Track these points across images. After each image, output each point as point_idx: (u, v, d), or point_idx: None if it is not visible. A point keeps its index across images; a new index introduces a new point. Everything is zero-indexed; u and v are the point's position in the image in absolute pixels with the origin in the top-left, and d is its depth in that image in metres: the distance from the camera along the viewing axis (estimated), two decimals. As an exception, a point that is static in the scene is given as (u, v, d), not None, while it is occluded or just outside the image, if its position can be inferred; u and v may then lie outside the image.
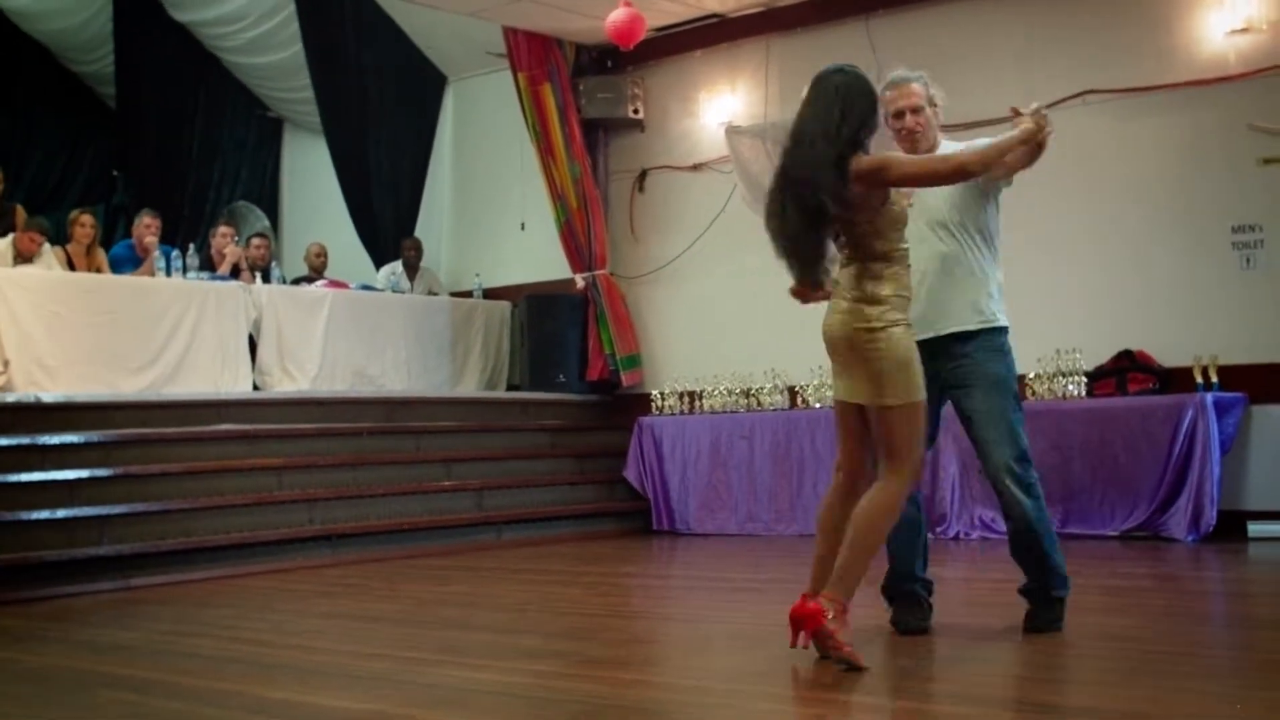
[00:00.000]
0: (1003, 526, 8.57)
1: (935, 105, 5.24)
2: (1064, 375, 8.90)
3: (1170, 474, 8.25)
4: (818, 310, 10.38)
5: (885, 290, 4.60)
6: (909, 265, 4.71)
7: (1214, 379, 8.48)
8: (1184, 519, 8.17)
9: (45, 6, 13.54)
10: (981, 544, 8.60)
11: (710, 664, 4.86)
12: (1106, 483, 8.49)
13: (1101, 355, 9.02)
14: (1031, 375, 8.99)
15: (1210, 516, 8.11)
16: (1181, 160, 8.99)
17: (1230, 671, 4.66)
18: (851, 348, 4.62)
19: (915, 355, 4.63)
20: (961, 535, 8.84)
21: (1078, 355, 8.91)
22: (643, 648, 4.92)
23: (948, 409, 5.29)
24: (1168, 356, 8.83)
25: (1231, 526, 8.27)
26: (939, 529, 8.92)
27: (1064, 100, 9.34)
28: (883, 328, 4.57)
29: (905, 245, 4.70)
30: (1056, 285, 9.37)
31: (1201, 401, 8.22)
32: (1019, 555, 5.21)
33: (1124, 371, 8.89)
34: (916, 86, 5.19)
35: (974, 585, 7.20)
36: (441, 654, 5.18)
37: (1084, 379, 8.89)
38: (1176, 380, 8.70)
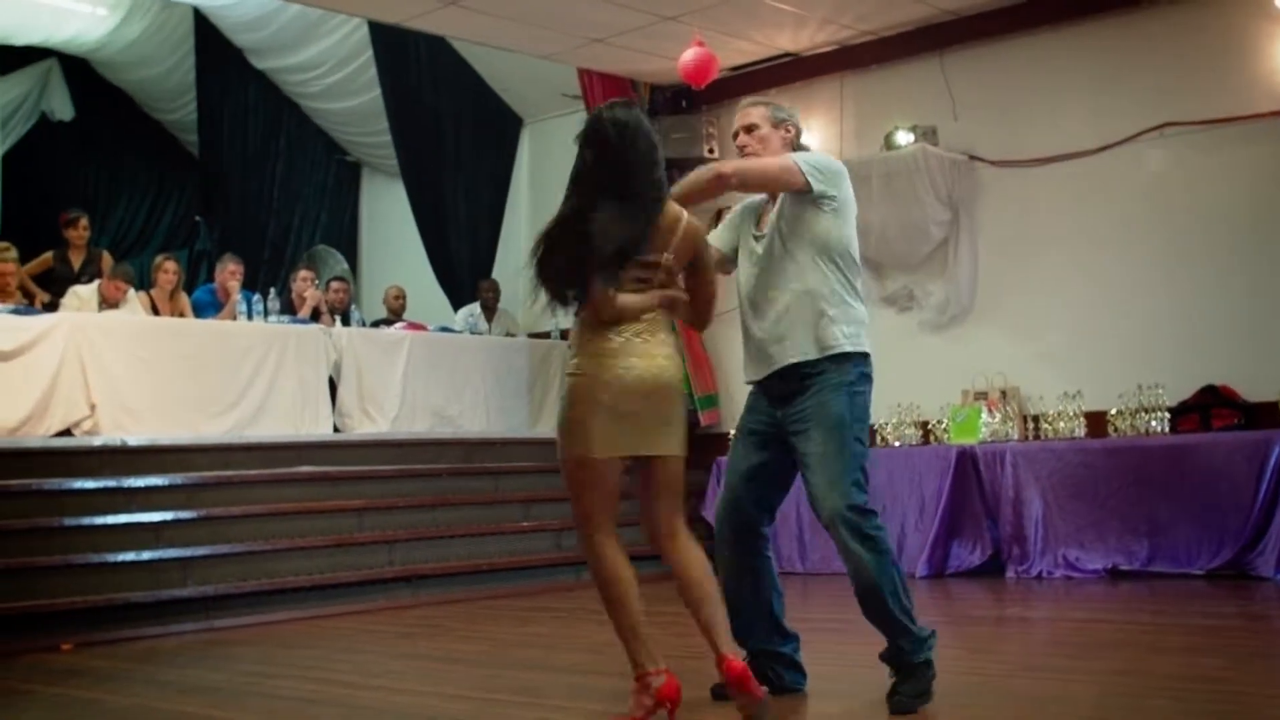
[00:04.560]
0: (1088, 565, 8.57)
1: (785, 129, 4.97)
2: (1146, 411, 8.80)
3: (1257, 511, 8.10)
4: (894, 349, 10.31)
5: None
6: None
7: (1301, 414, 8.36)
8: (1272, 557, 8.01)
9: (130, 57, 13.80)
10: (1065, 583, 8.49)
11: (792, 707, 4.83)
12: (1192, 520, 8.35)
13: (1184, 391, 8.90)
14: (1113, 411, 8.91)
15: (1300, 554, 7.97)
16: (1264, 191, 8.87)
17: (1323, 713, 4.57)
18: (676, 394, 4.61)
19: None
20: (1044, 574, 8.73)
21: (1160, 391, 8.81)
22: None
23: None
24: (1252, 391, 8.70)
25: (1322, 564, 8.11)
26: (1021, 568, 8.83)
27: (1143, 133, 9.28)
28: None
29: None
30: (1138, 320, 9.28)
31: (1288, 437, 8.09)
32: (868, 615, 4.71)
33: (1208, 407, 8.77)
34: (754, 110, 5.01)
35: (1057, 624, 7.12)
36: (522, 695, 5.18)
37: (1167, 415, 8.78)
38: (1262, 415, 8.57)
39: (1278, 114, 8.75)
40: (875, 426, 10.04)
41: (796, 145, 4.98)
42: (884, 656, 4.70)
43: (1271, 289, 8.80)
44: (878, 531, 4.61)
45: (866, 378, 4.85)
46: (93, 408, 8.52)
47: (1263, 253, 8.85)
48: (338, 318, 10.73)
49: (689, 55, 9.67)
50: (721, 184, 4.73)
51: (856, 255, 4.84)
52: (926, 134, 9.98)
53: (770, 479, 4.92)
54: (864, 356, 4.81)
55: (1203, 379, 8.88)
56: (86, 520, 7.83)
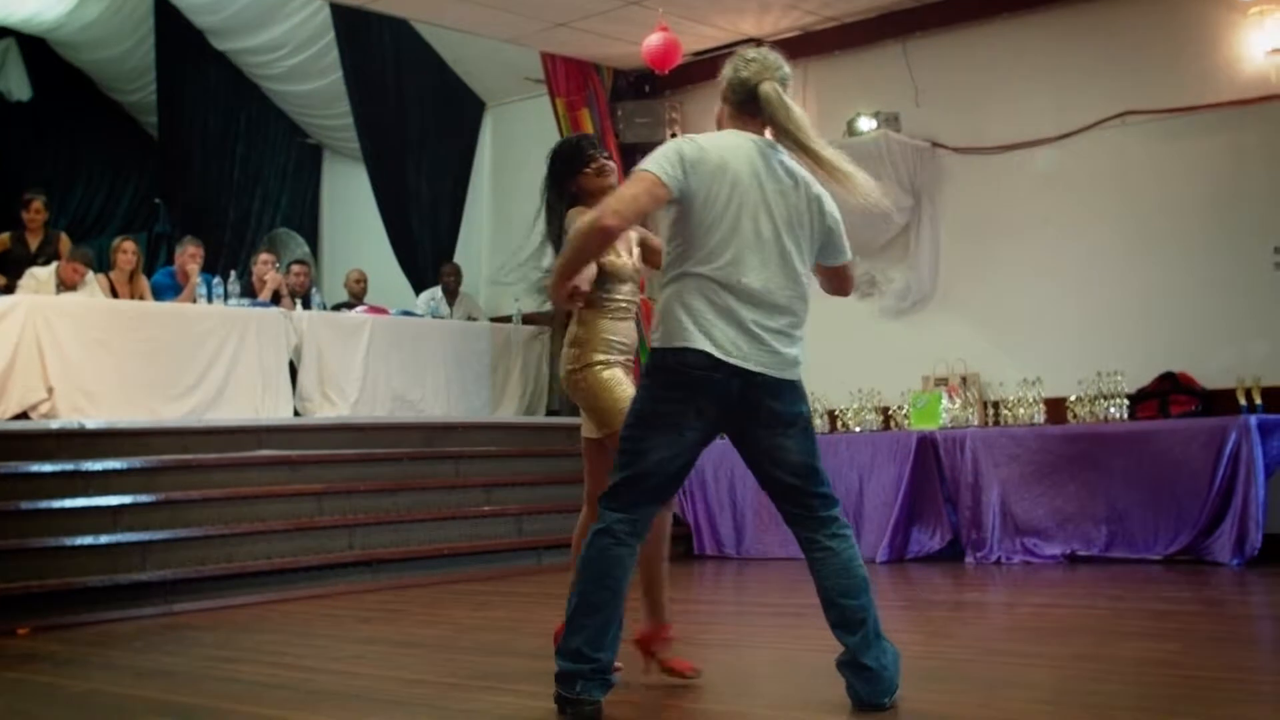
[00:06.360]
0: (1047, 550, 8.63)
1: (721, 100, 4.54)
2: (1105, 398, 8.85)
3: (1214, 497, 8.17)
4: (855, 335, 10.35)
5: (584, 333, 4.97)
6: (628, 316, 5.03)
7: (1258, 400, 8.41)
8: (1228, 542, 8.09)
9: (89, 37, 13.68)
10: (1024, 568, 8.55)
11: (753, 691, 4.85)
12: (1149, 506, 8.42)
13: (1143, 378, 8.96)
14: (1073, 398, 8.97)
15: (1255, 540, 8.02)
16: (1222, 181, 8.94)
17: (1277, 697, 4.61)
18: (568, 388, 5.07)
19: (616, 386, 4.92)
20: (1004, 559, 8.79)
21: (1119, 378, 8.87)
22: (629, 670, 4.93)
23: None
24: (1210, 378, 8.77)
25: (1277, 550, 8.16)
26: (981, 553, 8.88)
27: (1103, 121, 9.33)
28: (580, 368, 4.94)
29: (621, 298, 5.00)
30: (1097, 307, 9.33)
31: (1245, 424, 8.14)
32: None
33: (1166, 394, 8.83)
34: None
35: (1016, 609, 7.17)
36: (482, 680, 5.18)
37: (1126, 401, 8.84)
38: (1219, 402, 8.63)
39: (1237, 104, 8.82)
40: (836, 412, 10.11)
41: (738, 104, 4.41)
42: None
43: (1230, 277, 8.86)
44: (596, 533, 4.26)
45: (655, 370, 4.27)
46: (50, 390, 8.46)
47: (1221, 241, 8.92)
48: (298, 301, 10.68)
49: (653, 40, 9.66)
50: (608, 236, 4.22)
51: (695, 233, 4.20)
52: (889, 120, 9.99)
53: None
54: (662, 350, 4.25)
55: (1161, 366, 8.95)
56: (44, 504, 7.76)
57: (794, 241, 4.26)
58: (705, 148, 4.26)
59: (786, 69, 4.41)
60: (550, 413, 11.81)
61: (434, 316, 11.68)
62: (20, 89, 14.07)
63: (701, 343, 4.17)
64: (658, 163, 4.20)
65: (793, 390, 4.30)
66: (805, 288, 4.31)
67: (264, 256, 10.99)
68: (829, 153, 4.24)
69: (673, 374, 4.23)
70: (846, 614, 4.31)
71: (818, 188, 4.35)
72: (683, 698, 4.69)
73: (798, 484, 4.39)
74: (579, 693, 4.17)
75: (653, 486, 4.29)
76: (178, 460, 8.55)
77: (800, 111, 4.31)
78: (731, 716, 4.47)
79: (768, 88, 4.29)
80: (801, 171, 4.33)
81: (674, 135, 11.41)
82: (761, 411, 4.27)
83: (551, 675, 4.25)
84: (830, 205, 4.37)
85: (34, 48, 13.96)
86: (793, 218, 4.26)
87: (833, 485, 4.47)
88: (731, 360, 4.17)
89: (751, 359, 4.20)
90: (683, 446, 4.27)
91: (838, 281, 4.59)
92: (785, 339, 4.26)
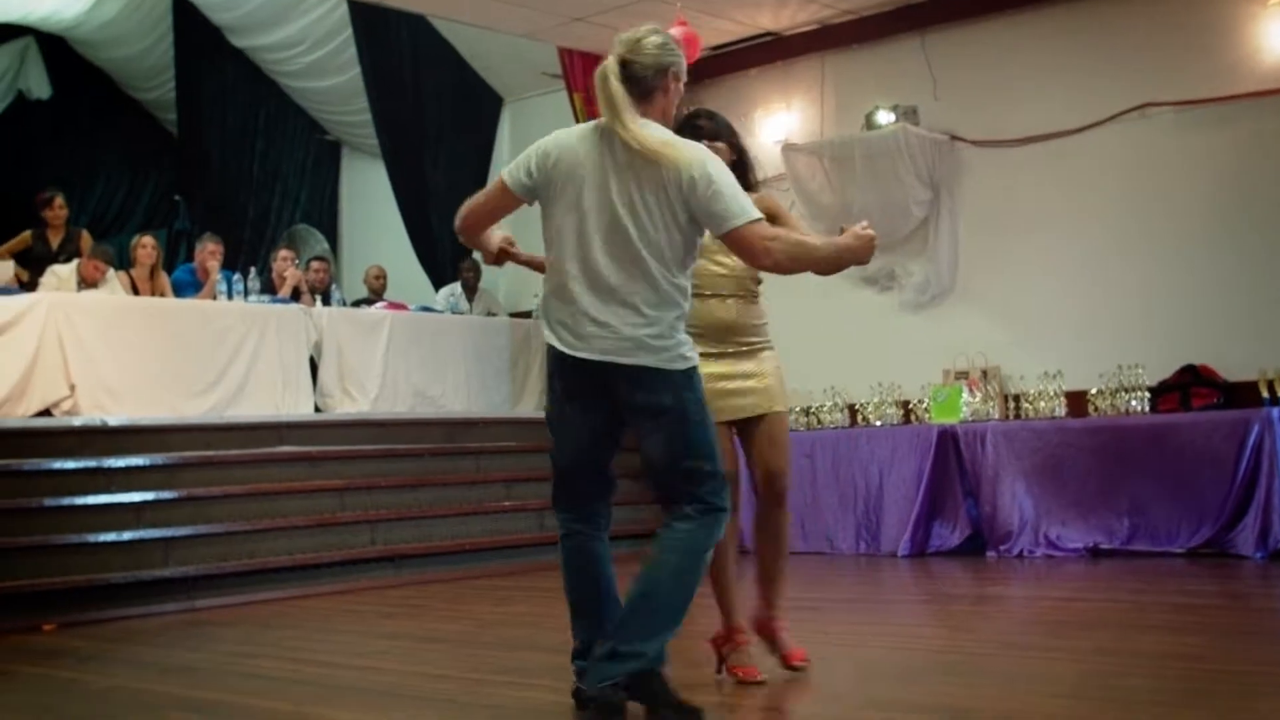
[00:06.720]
0: (1068, 543, 8.60)
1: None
2: (1126, 390, 8.82)
3: (1237, 490, 8.13)
4: (875, 328, 10.31)
5: None
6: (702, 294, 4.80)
7: (1280, 393, 8.40)
8: (1251, 535, 8.05)
9: (107, 35, 13.72)
10: (1046, 562, 8.52)
11: (772, 685, 4.84)
12: (1172, 499, 8.38)
13: (1164, 370, 8.93)
14: (1094, 391, 8.93)
15: (1279, 533, 8.00)
16: (1244, 172, 8.89)
17: (1301, 690, 4.60)
18: None
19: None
20: (1025, 553, 8.76)
21: (1140, 370, 8.83)
22: (703, 669, 4.92)
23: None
24: (1232, 371, 8.73)
25: (1300, 543, 8.15)
26: (1002, 547, 8.85)
27: (1124, 113, 9.29)
28: None
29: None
30: (1118, 300, 9.30)
31: (1268, 416, 8.10)
32: None
33: (1187, 386, 8.80)
34: None
35: (1037, 603, 7.16)
36: (506, 674, 5.19)
37: (1147, 394, 8.80)
38: (1241, 395, 8.60)
39: (1257, 95, 8.77)
40: (856, 406, 10.12)
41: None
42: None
43: (1251, 269, 8.83)
44: (562, 538, 4.39)
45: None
46: (72, 388, 8.48)
47: (1242, 233, 8.88)
48: (318, 297, 10.70)
49: (671, 34, 9.63)
50: (459, 231, 4.67)
51: (550, 238, 4.39)
52: (907, 114, 9.96)
53: None
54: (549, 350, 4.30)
55: (1182, 359, 8.91)
56: (67, 501, 7.81)
57: (634, 219, 4.08)
58: (554, 140, 4.33)
59: (648, 40, 4.45)
60: (569, 407, 11.79)
61: (454, 312, 11.68)
62: (40, 87, 14.13)
63: (550, 337, 4.25)
64: (512, 160, 4.38)
65: (655, 378, 4.08)
66: (649, 265, 4.08)
67: (283, 253, 11.00)
68: (643, 134, 4.12)
69: (547, 370, 4.37)
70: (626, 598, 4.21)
71: (687, 156, 4.13)
72: (700, 692, 4.69)
73: (668, 480, 4.17)
74: (603, 684, 4.16)
75: (581, 481, 4.34)
76: (199, 457, 8.58)
77: (618, 89, 4.22)
78: (750, 710, 4.47)
79: (602, 65, 4.29)
80: (657, 143, 4.12)
81: (692, 129, 11.37)
82: (622, 399, 4.15)
83: (571, 670, 4.26)
84: (696, 172, 4.07)
85: (53, 46, 14.01)
86: (634, 194, 4.09)
87: (726, 496, 4.21)
88: (573, 353, 4.15)
89: (590, 347, 4.11)
90: (584, 436, 4.27)
91: (736, 250, 4.20)
92: (629, 320, 4.07)
